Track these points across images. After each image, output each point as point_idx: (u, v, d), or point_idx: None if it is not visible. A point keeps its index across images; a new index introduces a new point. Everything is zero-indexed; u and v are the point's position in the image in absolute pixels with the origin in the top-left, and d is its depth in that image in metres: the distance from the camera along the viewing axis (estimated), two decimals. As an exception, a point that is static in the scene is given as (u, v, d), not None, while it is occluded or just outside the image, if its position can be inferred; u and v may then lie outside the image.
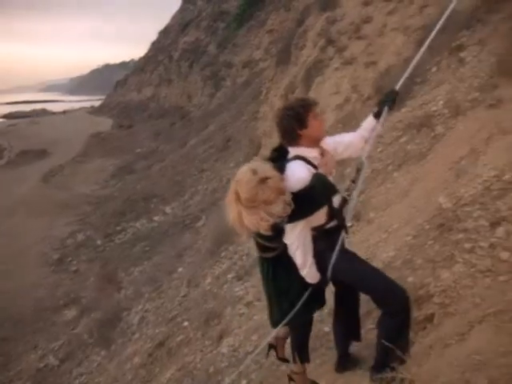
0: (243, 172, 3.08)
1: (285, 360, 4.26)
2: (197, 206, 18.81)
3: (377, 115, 3.58)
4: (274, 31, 32.83)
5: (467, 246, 4.30)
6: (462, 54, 8.31)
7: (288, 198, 3.05)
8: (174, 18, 67.42)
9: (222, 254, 11.05)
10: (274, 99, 17.09)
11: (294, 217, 3.11)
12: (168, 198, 22.11)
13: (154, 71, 62.78)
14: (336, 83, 12.76)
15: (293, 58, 16.42)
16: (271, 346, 4.22)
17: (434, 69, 8.83)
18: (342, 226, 3.44)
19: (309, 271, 3.39)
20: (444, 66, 8.56)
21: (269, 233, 3.13)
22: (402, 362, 3.14)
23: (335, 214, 3.37)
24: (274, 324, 3.68)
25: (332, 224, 3.39)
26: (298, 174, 3.18)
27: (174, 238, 16.82)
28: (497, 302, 3.56)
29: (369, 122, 3.63)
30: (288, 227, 3.22)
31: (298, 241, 3.27)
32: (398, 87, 3.70)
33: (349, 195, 3.47)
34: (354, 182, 3.55)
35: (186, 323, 9.07)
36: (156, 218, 20.58)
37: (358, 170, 3.57)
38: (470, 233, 4.38)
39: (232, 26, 43.74)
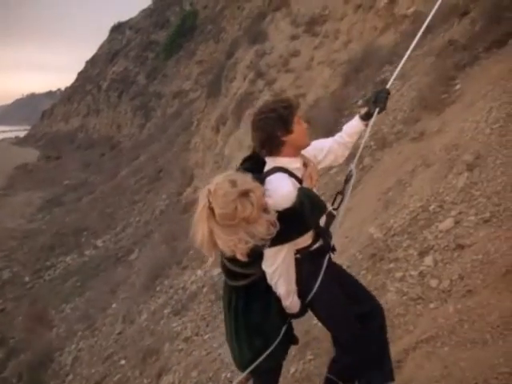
0: (219, 182, 2.49)
1: None
2: (129, 239, 18.52)
3: (365, 117, 3.16)
4: (204, 62, 33.18)
5: (398, 274, 4.51)
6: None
7: (272, 217, 2.53)
8: (102, 47, 66.73)
9: (158, 289, 10.92)
10: (205, 130, 17.26)
11: (278, 240, 2.58)
12: (99, 231, 21.64)
13: (82, 101, 61.64)
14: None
15: (223, 89, 16.68)
16: None
17: (360, 102, 9.22)
18: (327, 246, 2.99)
19: (291, 301, 2.90)
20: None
21: (245, 259, 2.55)
22: None
23: (322, 232, 2.94)
24: (243, 366, 2.97)
25: (317, 245, 2.93)
26: (282, 189, 2.67)
27: (106, 272, 16.46)
28: (429, 328, 3.75)
29: (353, 125, 3.20)
30: (269, 252, 2.69)
31: (281, 268, 2.75)
32: (388, 86, 3.26)
33: (335, 209, 3.09)
34: (341, 193, 3.18)
35: (122, 361, 8.87)
36: (87, 252, 20.06)
37: (347, 181, 3.21)
38: (400, 262, 4.60)
39: (161, 57, 43.80)
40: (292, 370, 4.48)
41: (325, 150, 3.13)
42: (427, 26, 9.27)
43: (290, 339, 3.09)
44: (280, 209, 2.59)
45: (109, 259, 17.54)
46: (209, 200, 2.44)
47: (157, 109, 38.95)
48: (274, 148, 2.79)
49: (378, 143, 7.18)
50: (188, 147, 20.35)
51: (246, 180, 2.52)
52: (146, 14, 54.82)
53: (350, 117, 9.08)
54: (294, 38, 14.12)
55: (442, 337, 3.65)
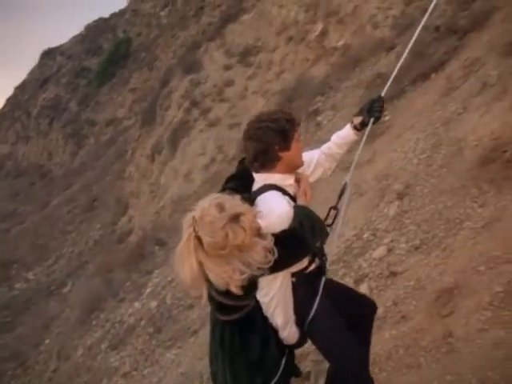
0: (205, 208, 2.17)
1: None
2: (62, 271, 17.93)
3: (360, 127, 2.94)
4: (138, 90, 32.95)
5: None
6: (318, 119, 9.01)
7: (269, 242, 2.21)
8: (32, 73, 65.00)
9: (93, 323, 10.60)
10: (140, 159, 17.10)
11: (277, 267, 2.26)
12: (30, 263, 20.83)
13: (11, 128, 59.59)
14: (202, 144, 13.13)
15: (158, 118, 16.63)
16: None
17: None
18: (323, 267, 2.75)
19: (289, 331, 2.61)
20: (303, 129, 9.19)
21: (240, 292, 2.19)
22: None
23: (318, 253, 2.68)
24: None
25: (313, 266, 2.69)
26: (278, 209, 2.40)
27: (38, 306, 15.82)
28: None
29: (344, 136, 2.98)
30: (264, 280, 2.40)
31: (278, 296, 2.49)
32: (383, 93, 3.03)
33: (329, 226, 2.84)
34: (335, 208, 2.98)
35: (58, 400, 8.56)
36: (17, 286, 19.23)
37: (341, 194, 3.03)
38: (336, 290, 4.70)
39: (94, 84, 43.14)
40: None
41: (313, 163, 2.91)
42: (355, 59, 9.68)
43: (291, 371, 2.75)
44: (276, 231, 2.30)
45: (41, 292, 16.89)
46: (195, 229, 2.13)
47: (90, 136, 38.23)
48: (269, 162, 2.54)
49: (313, 172, 7.35)
50: (123, 176, 20.05)
51: (235, 202, 2.21)
52: (78, 40, 53.98)
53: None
54: (228, 67, 14.33)
55: (379, 363, 3.76)
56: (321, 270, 2.74)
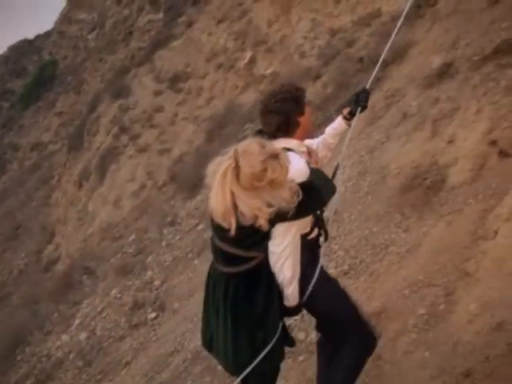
0: (247, 143, 2.37)
1: None
2: (-17, 303, 17.08)
3: (349, 116, 3.12)
4: (64, 114, 32.23)
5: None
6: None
7: (295, 186, 2.38)
8: (-50, 95, 62.41)
9: (18, 358, 10.07)
10: (67, 185, 16.71)
11: (300, 211, 2.40)
12: None
13: None
14: (131, 170, 13.00)
15: (86, 143, 16.35)
16: None
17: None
18: (318, 238, 2.91)
19: (294, 288, 2.62)
20: (233, 156, 9.27)
21: (266, 227, 2.32)
22: None
23: (317, 221, 2.83)
24: (240, 366, 2.57)
25: (313, 235, 2.84)
26: (297, 164, 2.55)
27: (-44, 342, 14.96)
28: (299, 381, 3.90)
29: (336, 126, 3.17)
30: (278, 230, 2.46)
31: (290, 247, 2.51)
32: (368, 86, 3.23)
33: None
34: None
35: None
36: None
37: (334, 175, 3.14)
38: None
39: (18, 106, 41.84)
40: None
41: (314, 148, 3.09)
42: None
43: (287, 339, 2.78)
44: (297, 182, 2.45)
45: (-41, 327, 16.01)
46: (236, 160, 2.28)
47: (13, 161, 36.87)
48: (290, 128, 2.75)
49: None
50: (48, 202, 19.48)
51: (273, 144, 2.45)
52: (1, 61, 52.39)
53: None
54: (157, 93, 14.35)
55: (308, 387, 3.80)
56: (318, 241, 2.90)
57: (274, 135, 2.74)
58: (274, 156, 2.31)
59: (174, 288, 7.17)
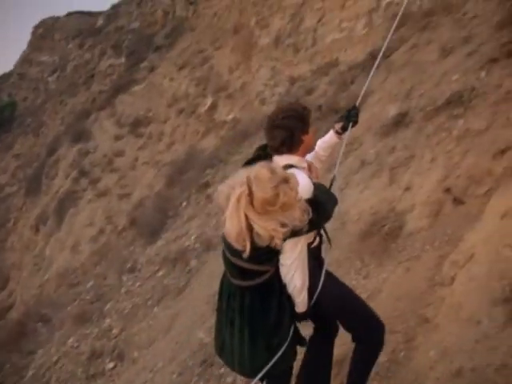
0: (259, 170, 2.48)
1: None
2: None
3: (341, 131, 3.31)
4: (22, 156, 31.70)
5: (229, 379, 4.59)
6: (209, 191, 9.15)
7: (304, 204, 2.53)
8: None
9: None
10: (23, 229, 16.34)
11: (312, 226, 2.61)
12: None
13: None
14: (90, 215, 12.83)
15: (44, 187, 16.10)
16: None
17: (185, 204, 9.49)
18: (320, 244, 3.10)
19: (304, 296, 2.83)
20: (193, 201, 9.28)
21: (280, 245, 2.51)
22: None
23: (320, 230, 3.02)
24: (257, 370, 2.76)
25: (316, 243, 3.03)
26: (301, 181, 2.66)
27: None
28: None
29: (327, 140, 3.35)
30: (287, 245, 2.63)
31: (298, 260, 2.72)
32: (357, 103, 3.45)
33: None
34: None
35: None
36: None
37: (331, 185, 3.25)
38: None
39: (-27, 148, 41.03)
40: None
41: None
42: (244, 133, 9.94)
43: (298, 340, 2.95)
44: (304, 199, 2.59)
45: None
46: (249, 186, 2.41)
47: (-33, 203, 35.90)
48: (293, 145, 2.85)
49: (203, 245, 7.40)
50: (3, 246, 18.93)
51: (281, 169, 2.56)
52: (-42, 102, 51.52)
53: (176, 217, 9.37)
54: (118, 137, 14.35)
55: None
56: (320, 249, 3.09)
57: (277, 150, 2.86)
58: (285, 181, 2.44)
59: (133, 336, 7.02)
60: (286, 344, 2.75)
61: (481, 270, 3.52)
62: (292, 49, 12.59)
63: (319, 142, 3.38)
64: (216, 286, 6.06)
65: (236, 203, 2.45)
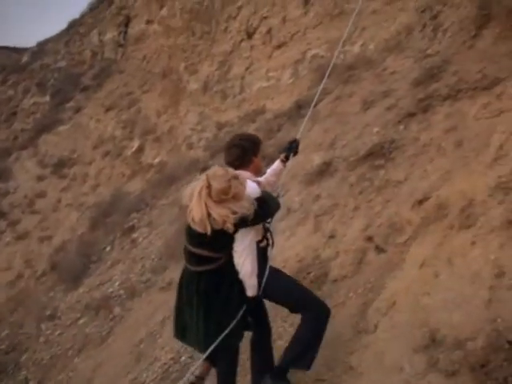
0: (215, 169, 3.19)
1: None
2: None
3: (284, 161, 4.03)
4: None
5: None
6: (134, 235, 9.01)
7: (251, 198, 3.20)
8: None
9: None
10: None
11: (255, 218, 3.21)
12: None
13: None
14: (7, 259, 12.28)
15: (-43, 227, 15.29)
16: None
17: (109, 248, 9.29)
18: (267, 246, 3.66)
19: (254, 280, 3.37)
20: (118, 246, 9.10)
21: (231, 229, 3.12)
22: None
23: (266, 231, 3.64)
24: (207, 344, 3.25)
25: (263, 244, 3.60)
26: (251, 184, 3.36)
27: None
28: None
29: (274, 168, 4.05)
30: (240, 235, 3.24)
31: (249, 248, 3.29)
32: (298, 136, 4.22)
33: (269, 222, 3.74)
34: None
35: None
36: None
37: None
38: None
39: None
40: None
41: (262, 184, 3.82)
42: (171, 177, 9.91)
43: (246, 324, 3.45)
44: (251, 197, 3.25)
45: None
46: (208, 180, 3.06)
47: None
48: (245, 162, 3.51)
49: (128, 292, 7.24)
50: None
51: (233, 170, 3.25)
52: None
53: (99, 262, 9.14)
54: (40, 178, 13.95)
55: None
56: (267, 249, 3.65)
57: (232, 164, 3.47)
58: (235, 177, 3.13)
59: (50, 390, 6.71)
60: (234, 322, 3.27)
61: (402, 318, 3.66)
62: (220, 95, 12.83)
63: (269, 170, 4.06)
64: (140, 335, 5.99)
65: (198, 195, 3.09)
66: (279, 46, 11.72)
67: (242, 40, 12.78)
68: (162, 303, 6.37)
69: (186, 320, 3.44)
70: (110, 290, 7.62)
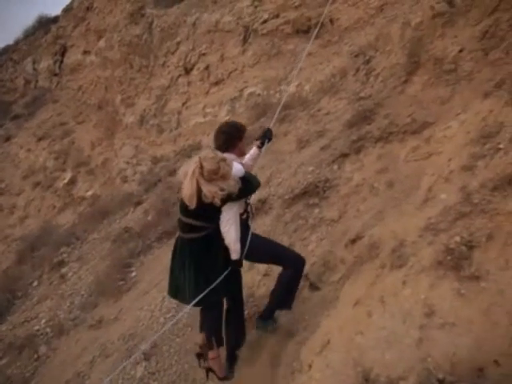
0: (206, 152, 3.75)
1: (210, 369, 4.38)
2: None
3: (260, 147, 4.52)
4: None
5: None
6: (63, 270, 8.70)
7: (237, 178, 3.78)
8: None
9: None
10: None
11: (240, 193, 3.81)
12: None
13: None
14: None
15: None
16: (199, 355, 4.36)
17: (36, 283, 8.92)
18: (248, 218, 4.21)
19: (237, 246, 3.98)
20: (46, 281, 8.76)
21: (219, 203, 3.68)
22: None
23: (247, 205, 4.21)
24: (196, 297, 3.87)
25: (244, 216, 4.16)
26: (237, 166, 3.89)
27: None
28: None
29: (252, 153, 4.54)
30: (226, 208, 3.84)
31: (233, 218, 3.90)
32: (271, 125, 4.78)
33: (249, 198, 4.33)
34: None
35: None
36: None
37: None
38: None
39: None
40: None
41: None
42: (104, 211, 9.74)
43: (227, 284, 4.07)
44: (237, 176, 3.84)
45: None
46: (200, 162, 3.61)
47: None
48: (230, 146, 4.06)
49: (55, 330, 6.94)
50: None
51: (221, 153, 3.80)
52: None
53: (25, 298, 8.73)
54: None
55: None
56: (248, 220, 4.23)
57: (220, 148, 4.02)
58: (223, 160, 3.68)
59: None
60: (219, 279, 3.90)
61: (336, 357, 3.67)
62: (156, 129, 12.78)
63: (248, 155, 4.57)
64: (67, 376, 5.74)
65: (191, 174, 3.65)
66: (217, 83, 11.87)
67: (179, 75, 12.86)
68: (92, 342, 6.15)
69: (179, 280, 4.03)
70: (36, 327, 7.28)
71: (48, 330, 7.09)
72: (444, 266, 3.06)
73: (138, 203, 9.66)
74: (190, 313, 5.81)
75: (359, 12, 9.00)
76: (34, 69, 21.07)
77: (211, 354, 4.31)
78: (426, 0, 6.77)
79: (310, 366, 3.90)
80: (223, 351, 4.44)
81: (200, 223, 3.89)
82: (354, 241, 4.72)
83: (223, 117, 11.16)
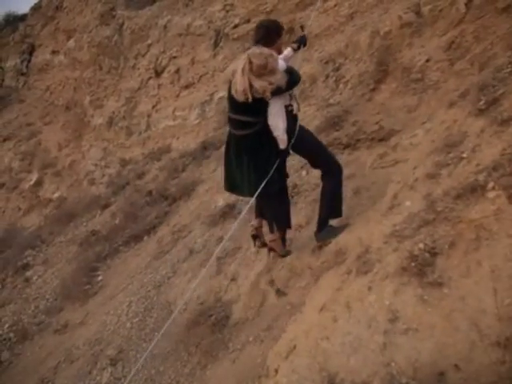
0: (253, 49, 3.99)
1: (265, 245, 4.89)
2: None
3: (295, 49, 4.59)
4: None
5: None
6: (28, 274, 8.56)
7: (283, 72, 3.99)
8: None
9: None
10: None
11: (287, 86, 4.03)
12: None
13: None
14: None
15: None
16: (254, 237, 4.88)
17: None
18: (293, 109, 4.33)
19: (285, 136, 4.18)
20: (9, 284, 8.60)
21: (269, 97, 3.94)
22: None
23: (291, 98, 4.33)
24: (254, 188, 4.18)
25: (290, 108, 4.28)
26: (279, 61, 4.05)
27: None
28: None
29: (287, 54, 4.53)
30: (272, 101, 4.05)
31: (280, 110, 4.13)
32: (306, 32, 4.80)
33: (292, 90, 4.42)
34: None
35: None
36: None
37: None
38: None
39: None
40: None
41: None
42: (70, 214, 9.60)
43: (283, 172, 4.51)
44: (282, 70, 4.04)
45: None
46: (249, 58, 3.86)
47: None
48: (269, 42, 4.17)
49: (18, 335, 6.83)
50: None
51: (266, 49, 4.00)
52: None
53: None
54: None
55: None
56: (293, 111, 4.35)
57: (258, 42, 4.18)
58: (271, 55, 3.92)
59: None
60: (273, 169, 4.21)
61: (302, 362, 3.68)
62: (125, 131, 12.67)
63: (282, 55, 4.57)
64: (31, 383, 5.63)
65: (241, 71, 3.90)
66: (187, 86, 11.83)
67: (149, 78, 12.78)
68: (56, 347, 6.06)
69: (236, 176, 4.40)
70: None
71: (11, 335, 6.97)
72: (408, 272, 3.11)
73: (106, 206, 9.57)
74: (156, 318, 5.82)
75: (329, 19, 9.08)
76: (1, 67, 20.67)
77: (272, 237, 4.79)
78: (395, 10, 6.89)
79: (277, 371, 3.90)
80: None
81: (249, 118, 4.17)
82: (320, 247, 4.73)
83: (193, 120, 11.13)
